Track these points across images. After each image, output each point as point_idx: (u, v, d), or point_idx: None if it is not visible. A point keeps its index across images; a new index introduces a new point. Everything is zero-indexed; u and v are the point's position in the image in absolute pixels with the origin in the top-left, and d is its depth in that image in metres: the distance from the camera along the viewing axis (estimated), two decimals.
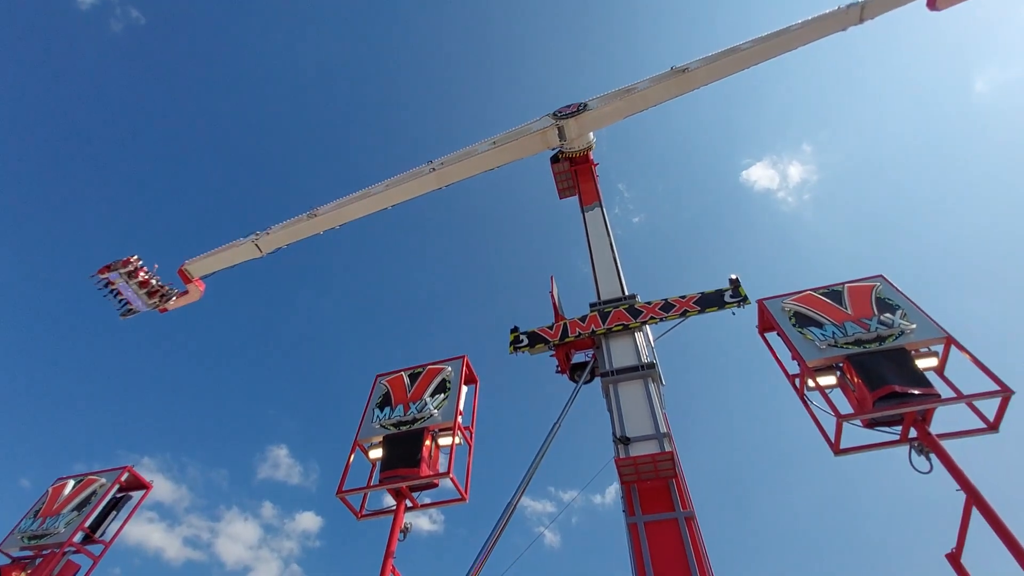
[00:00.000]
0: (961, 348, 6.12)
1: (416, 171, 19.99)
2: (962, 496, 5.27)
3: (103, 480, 11.02)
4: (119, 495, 11.24)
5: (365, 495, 7.85)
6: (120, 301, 15.75)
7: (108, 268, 15.47)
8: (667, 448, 13.27)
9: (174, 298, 16.51)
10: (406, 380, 8.62)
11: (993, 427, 5.85)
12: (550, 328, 17.66)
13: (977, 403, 6.08)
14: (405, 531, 7.19)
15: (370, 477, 8.04)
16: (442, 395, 8.12)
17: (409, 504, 7.44)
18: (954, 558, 5.91)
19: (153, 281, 16.10)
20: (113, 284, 15.50)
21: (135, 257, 15.95)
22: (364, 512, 7.68)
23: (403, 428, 7.85)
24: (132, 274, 15.65)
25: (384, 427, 7.98)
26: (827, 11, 18.46)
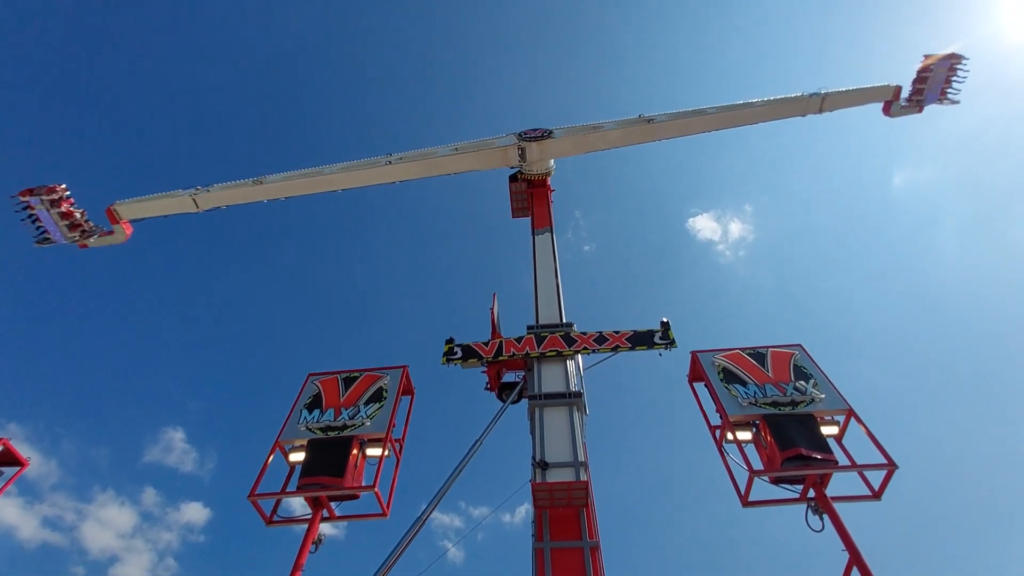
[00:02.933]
0: (859, 421, 6.89)
1: (372, 161, 19.60)
2: (845, 556, 5.89)
3: None
4: None
5: (279, 500, 7.39)
6: (38, 228, 15.13)
7: (31, 192, 14.90)
8: (583, 477, 13.66)
9: (96, 236, 15.93)
10: (341, 384, 8.27)
11: (877, 496, 6.61)
12: (486, 344, 17.66)
13: (867, 472, 6.85)
14: (318, 543, 6.84)
15: (286, 481, 7.57)
16: (377, 404, 7.87)
17: (326, 514, 7.09)
18: None
19: (77, 214, 15.51)
20: (33, 209, 14.93)
21: (62, 186, 15.29)
22: (275, 518, 7.23)
23: (331, 434, 7.50)
24: (56, 203, 15.01)
25: (311, 430, 7.58)
26: (790, 95, 19.58)
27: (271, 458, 7.34)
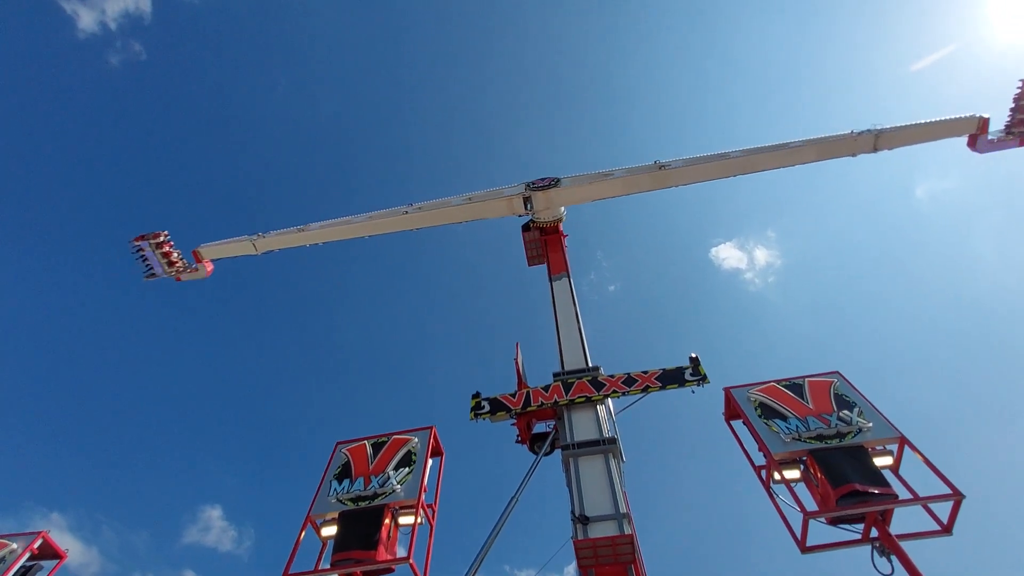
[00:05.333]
0: (914, 449, 6.47)
1: (393, 210, 20.78)
2: None
3: (14, 546, 9.65)
4: (29, 563, 9.85)
5: None
6: (146, 266, 19.58)
7: (143, 237, 19.51)
8: (627, 530, 12.97)
9: (188, 271, 20.06)
10: (369, 450, 8.17)
11: (947, 530, 6.10)
12: (513, 396, 17.39)
13: (931, 505, 6.36)
14: None
15: (319, 559, 7.36)
16: (406, 469, 7.72)
17: None
18: None
19: (175, 255, 19.83)
20: (143, 251, 19.38)
21: (165, 232, 19.89)
22: None
23: (362, 504, 7.34)
24: (159, 245, 19.45)
25: (341, 502, 7.44)
26: (833, 135, 17.53)
27: (303, 534, 7.18)
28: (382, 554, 6.79)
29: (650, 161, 20.07)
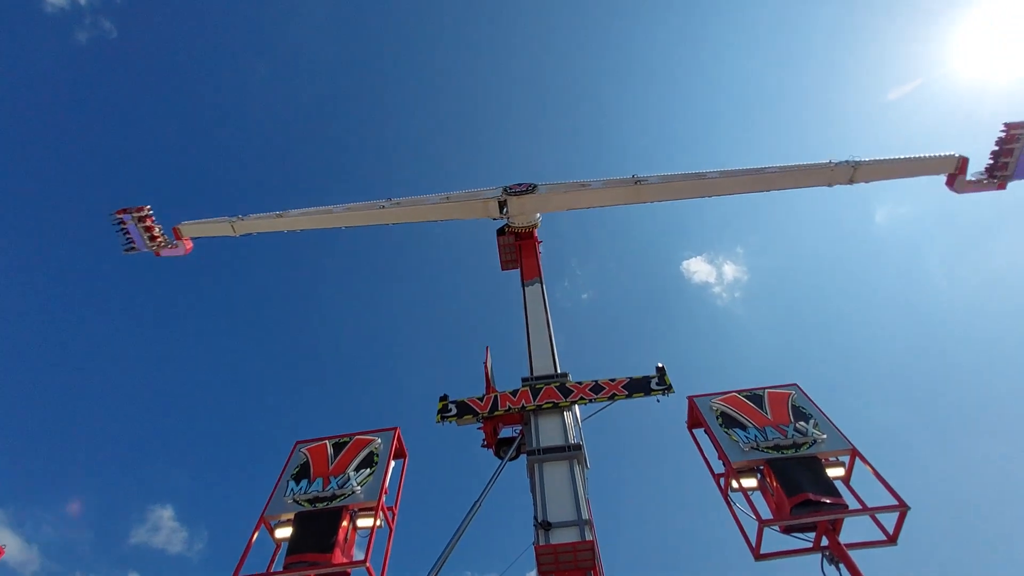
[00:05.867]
0: (864, 461, 6.71)
1: (371, 203, 20.64)
2: None
3: None
4: None
5: None
6: (127, 239, 19.68)
7: (125, 211, 19.53)
8: (588, 537, 13.01)
9: (168, 247, 20.05)
10: (330, 450, 7.97)
11: (892, 540, 6.33)
12: (480, 399, 17.31)
13: (879, 516, 6.59)
14: None
15: (272, 561, 7.11)
16: (368, 470, 7.56)
17: None
18: None
19: (156, 229, 19.85)
20: (125, 224, 19.42)
21: (148, 207, 19.87)
22: None
23: (319, 505, 7.14)
24: (142, 219, 19.48)
25: (298, 503, 7.22)
26: (813, 163, 17.34)
27: (255, 535, 6.94)
28: (338, 557, 6.61)
29: (628, 175, 20.24)
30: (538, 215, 22.05)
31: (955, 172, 15.86)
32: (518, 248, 21.81)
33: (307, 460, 7.85)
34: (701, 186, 18.90)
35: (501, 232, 22.02)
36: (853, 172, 16.49)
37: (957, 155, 15.91)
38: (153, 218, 20.02)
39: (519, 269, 21.18)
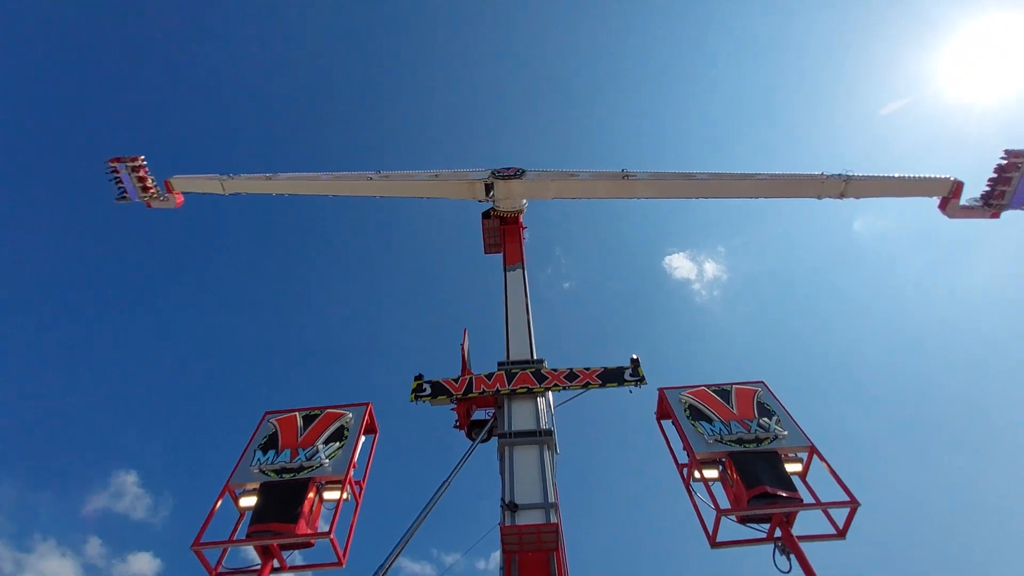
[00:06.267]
0: (821, 458, 6.95)
1: (359, 174, 20.35)
2: None
3: None
4: None
5: (225, 550, 6.90)
6: (119, 188, 19.47)
7: (119, 160, 19.38)
8: (553, 519, 13.27)
9: (160, 200, 20.01)
10: (299, 422, 7.92)
11: (841, 534, 6.60)
12: (455, 381, 17.35)
13: (831, 511, 6.86)
14: None
15: (235, 529, 7.09)
16: (337, 443, 7.55)
17: (277, 565, 6.65)
18: None
19: (149, 180, 19.77)
20: (118, 173, 19.32)
21: (142, 157, 19.68)
22: (221, 569, 6.73)
23: (286, 476, 7.13)
24: (135, 169, 19.36)
25: (264, 472, 7.18)
26: (803, 173, 17.05)
27: (219, 503, 6.89)
28: (302, 528, 6.62)
29: (617, 169, 20.17)
30: (524, 201, 21.98)
31: (948, 196, 15.31)
32: (502, 233, 21.75)
33: (276, 431, 7.80)
34: (689, 187, 18.84)
35: (486, 215, 21.90)
36: (844, 186, 16.20)
37: (952, 179, 15.42)
38: (147, 168, 19.87)
39: (502, 254, 21.14)
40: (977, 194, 15.21)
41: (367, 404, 8.08)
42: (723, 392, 7.96)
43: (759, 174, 17.83)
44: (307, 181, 20.55)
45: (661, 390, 8.14)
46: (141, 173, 19.69)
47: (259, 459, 7.32)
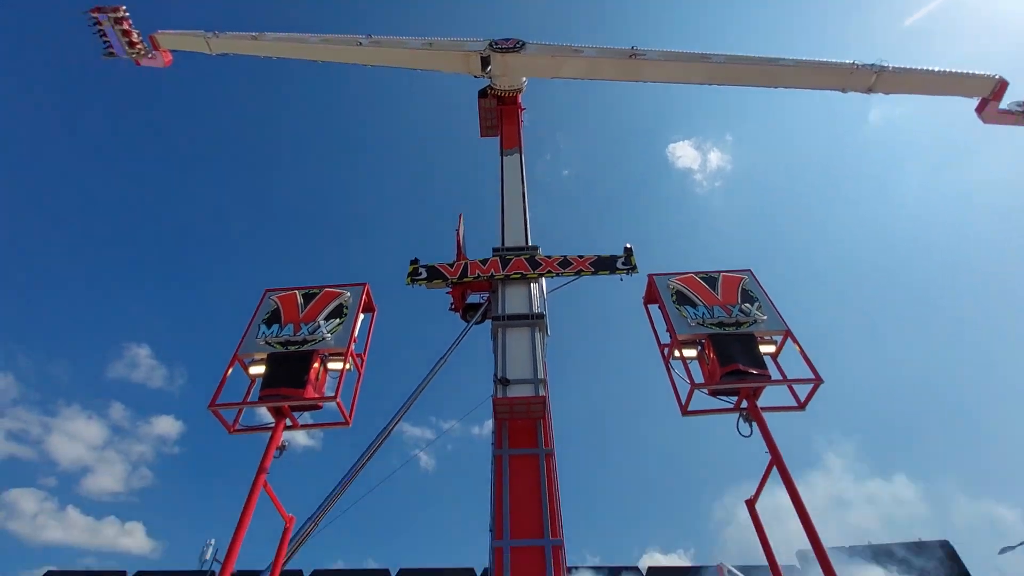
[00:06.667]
0: (795, 340, 7.40)
1: (350, 38, 19.15)
2: (767, 457, 6.54)
3: None
4: None
5: (240, 410, 7.56)
6: (104, 42, 18.17)
7: (99, 9, 17.85)
8: (541, 393, 14.43)
9: (148, 57, 18.87)
10: (299, 299, 8.21)
11: (801, 407, 7.25)
12: (451, 265, 17.71)
13: (796, 386, 7.46)
14: (281, 449, 7.13)
15: (247, 393, 7.70)
16: (337, 320, 7.91)
17: (289, 423, 7.34)
18: (751, 503, 7.43)
19: (135, 34, 18.43)
20: (101, 24, 17.88)
21: (123, 8, 18.09)
22: (238, 427, 7.43)
23: (291, 348, 7.57)
24: (118, 21, 17.97)
25: (270, 344, 7.61)
26: (831, 61, 15.70)
27: (230, 371, 7.40)
28: (310, 392, 7.19)
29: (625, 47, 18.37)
30: (524, 80, 20.55)
31: (989, 97, 14.15)
32: (499, 113, 20.66)
33: (277, 307, 8.11)
34: (703, 69, 17.31)
35: (483, 94, 20.61)
36: (875, 79, 14.88)
37: (997, 77, 14.07)
38: (130, 21, 18.48)
39: (499, 137, 20.29)
40: (1014, 100, 14.23)
41: (364, 284, 8.32)
42: (710, 279, 8.21)
43: (783, 59, 16.22)
44: (294, 43, 19.18)
45: (651, 276, 8.39)
46: (125, 26, 18.33)
47: (264, 332, 7.71)
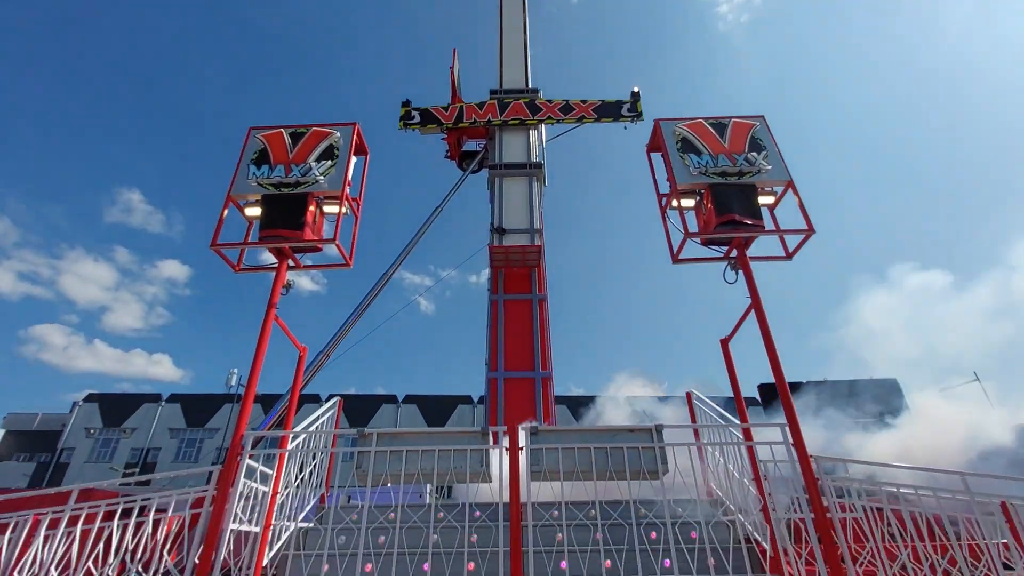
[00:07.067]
0: (795, 191, 7.32)
1: None
2: (747, 301, 6.92)
3: None
4: None
5: (243, 251, 7.71)
6: None
7: None
8: (536, 242, 14.70)
9: None
10: (287, 139, 7.83)
11: (789, 257, 7.46)
12: (445, 109, 16.66)
13: (788, 238, 7.59)
14: (287, 287, 7.44)
15: (247, 235, 7.78)
16: (329, 161, 7.65)
17: (291, 264, 7.56)
18: (724, 342, 8.05)
19: None
20: None
21: None
22: (242, 266, 7.66)
23: (284, 190, 7.45)
24: None
25: (262, 186, 7.47)
26: None
27: (226, 212, 7.37)
28: (308, 234, 7.27)
29: None
30: None
31: None
32: None
33: (265, 147, 7.77)
34: None
35: None
36: None
37: None
38: None
39: None
40: None
41: (354, 124, 7.85)
42: (719, 125, 7.80)
43: None
44: None
45: (657, 121, 7.94)
46: None
47: (254, 173, 7.50)
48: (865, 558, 5.90)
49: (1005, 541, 5.79)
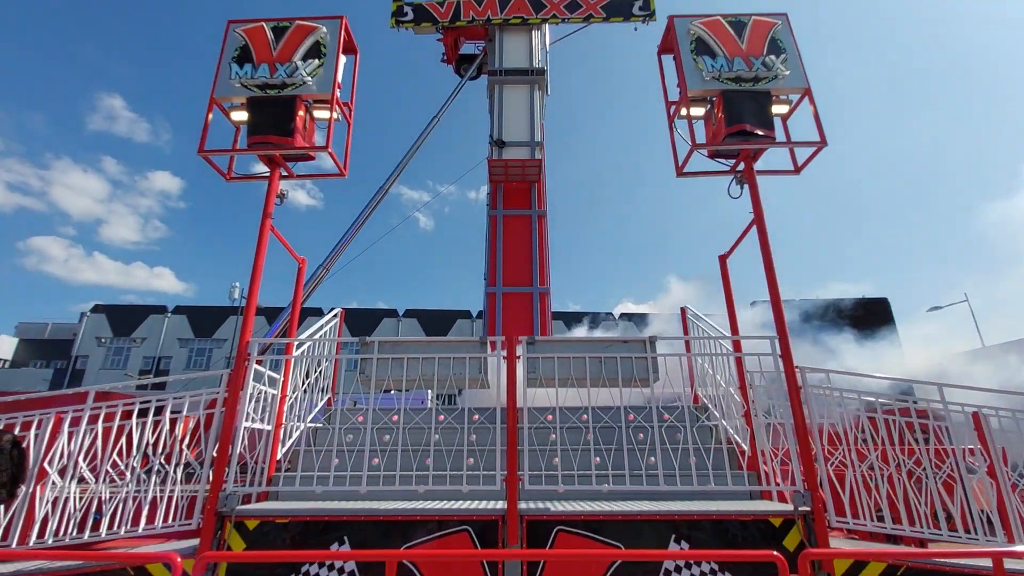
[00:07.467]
0: (811, 100, 6.93)
1: None
2: (750, 217, 6.81)
3: None
4: None
5: (232, 158, 7.43)
6: None
7: None
8: (537, 156, 14.23)
9: None
10: (269, 34, 7.23)
11: (797, 171, 7.23)
12: (441, 5, 15.39)
13: (798, 151, 7.30)
14: (282, 196, 7.26)
15: (235, 141, 7.45)
16: (316, 60, 7.13)
17: (284, 172, 7.31)
18: (723, 258, 8.04)
19: None
20: None
21: None
22: (233, 175, 7.42)
23: (270, 92, 7.02)
24: None
25: (247, 87, 7.03)
26: None
27: (211, 116, 7.00)
28: (299, 141, 6.96)
29: None
30: None
31: None
32: None
33: (246, 43, 7.20)
34: None
35: None
36: None
37: None
38: None
39: None
40: None
41: (341, 17, 7.21)
42: (738, 24, 7.19)
43: None
44: None
45: (671, 18, 7.31)
46: None
47: (237, 72, 7.01)
48: (837, 458, 6.33)
49: (972, 447, 6.18)
